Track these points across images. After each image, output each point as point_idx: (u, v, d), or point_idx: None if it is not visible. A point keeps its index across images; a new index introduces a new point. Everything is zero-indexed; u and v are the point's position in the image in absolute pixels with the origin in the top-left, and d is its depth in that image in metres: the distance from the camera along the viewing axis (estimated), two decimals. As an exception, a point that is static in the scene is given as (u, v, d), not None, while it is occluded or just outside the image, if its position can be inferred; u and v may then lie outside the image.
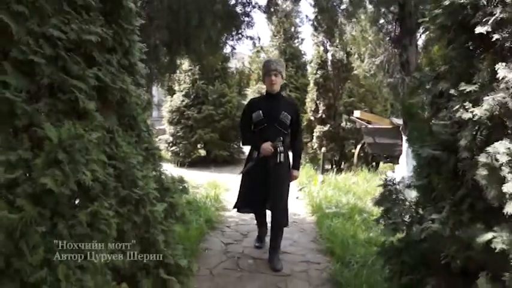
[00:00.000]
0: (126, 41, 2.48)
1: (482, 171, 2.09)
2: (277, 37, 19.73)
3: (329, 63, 12.88)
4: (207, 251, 5.30)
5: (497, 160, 2.03)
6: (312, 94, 13.53)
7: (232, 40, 6.16)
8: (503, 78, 2.07)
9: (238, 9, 5.74)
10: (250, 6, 5.92)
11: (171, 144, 13.88)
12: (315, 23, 7.98)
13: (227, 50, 7.10)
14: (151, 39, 4.01)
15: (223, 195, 8.63)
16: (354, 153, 12.55)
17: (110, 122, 2.37)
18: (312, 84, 13.50)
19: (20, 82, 2.02)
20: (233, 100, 13.98)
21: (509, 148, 2.01)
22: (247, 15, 5.88)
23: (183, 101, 13.89)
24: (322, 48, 12.88)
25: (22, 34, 2.00)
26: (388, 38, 7.24)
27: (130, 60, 2.56)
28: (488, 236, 2.09)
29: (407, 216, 2.72)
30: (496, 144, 2.06)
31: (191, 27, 4.37)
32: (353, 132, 12.61)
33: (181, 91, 14.08)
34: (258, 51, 21.59)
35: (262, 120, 4.62)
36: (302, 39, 20.94)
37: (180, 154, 13.69)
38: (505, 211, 2.01)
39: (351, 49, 12.23)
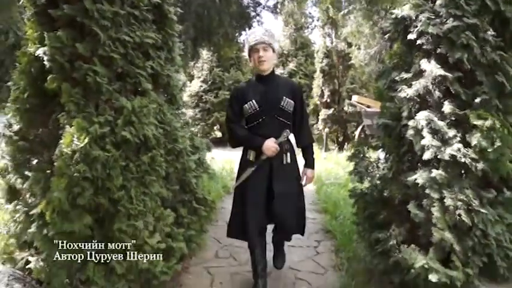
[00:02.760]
0: (170, 42, 3.44)
1: (411, 132, 3.01)
2: (288, 27, 20.51)
3: (334, 53, 13.73)
4: (223, 209, 6.26)
5: (419, 124, 2.95)
6: (318, 81, 14.41)
7: (246, 35, 7.10)
8: (425, 70, 2.98)
9: (250, 10, 6.66)
10: (260, 7, 6.86)
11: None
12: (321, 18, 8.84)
13: (241, 42, 8.06)
14: (182, 37, 4.88)
15: (236, 169, 9.60)
16: (355, 135, 13.42)
17: (160, 98, 3.32)
18: (318, 72, 14.37)
19: (104, 71, 2.97)
20: (247, 86, 14.88)
21: (427, 116, 2.92)
22: (258, 15, 6.82)
23: (201, 86, 14.86)
24: (327, 39, 13.74)
25: (105, 39, 2.95)
26: (380, 32, 8.00)
27: (172, 55, 3.52)
28: (416, 175, 3.01)
29: (370, 168, 3.64)
30: (419, 113, 2.97)
31: (212, 26, 5.30)
32: (354, 115, 13.48)
33: (200, 77, 15.04)
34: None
35: (257, 111, 3.36)
36: (312, 29, 21.74)
37: (198, 135, 14.67)
38: (424, 157, 2.92)
39: (352, 41, 13.10)
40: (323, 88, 14.17)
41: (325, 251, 4.64)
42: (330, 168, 9.35)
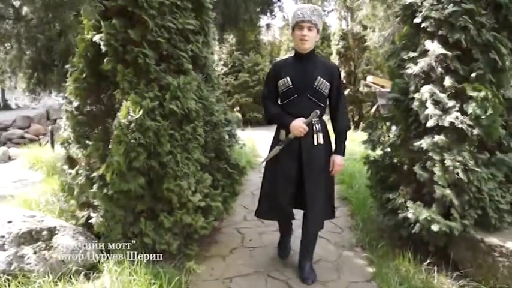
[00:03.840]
0: (206, 27, 3.88)
1: (417, 103, 3.42)
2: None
3: (349, 35, 14.04)
4: (247, 181, 6.74)
5: (424, 96, 3.36)
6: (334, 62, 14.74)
7: (268, 19, 7.56)
8: (429, 50, 3.38)
9: (274, -1, 7.10)
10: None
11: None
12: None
13: (263, 27, 8.49)
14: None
15: (257, 146, 10.07)
16: (370, 114, 13.76)
17: (198, 77, 3.78)
18: (334, 54, 14.70)
19: (152, 53, 3.42)
20: (265, 68, 15.32)
21: (430, 89, 3.33)
22: (279, 0, 7.23)
23: (221, 69, 15.28)
24: (343, 22, 14.04)
25: (153, 25, 3.40)
26: (394, 15, 8.26)
27: (208, 39, 3.96)
28: (421, 141, 3.43)
29: (382, 138, 4.06)
30: (424, 87, 3.39)
31: (239, 13, 5.72)
32: (369, 95, 13.81)
33: (221, 60, 15.46)
34: (287, 24, 22.66)
35: (290, 89, 3.27)
36: (328, 12, 21.90)
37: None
38: (427, 125, 3.34)
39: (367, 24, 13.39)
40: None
41: (342, 215, 5.08)
42: (348, 148, 9.72)
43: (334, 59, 14.69)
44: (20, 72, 6.14)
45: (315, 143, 3.27)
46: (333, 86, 3.31)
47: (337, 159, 3.35)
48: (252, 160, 8.22)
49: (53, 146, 8.50)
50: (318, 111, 3.22)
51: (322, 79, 3.23)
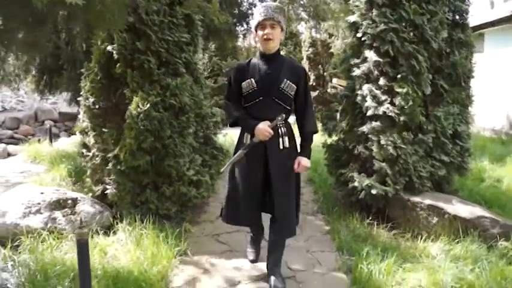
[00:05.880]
0: (196, 39, 4.74)
1: (359, 98, 4.37)
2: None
3: (318, 42, 15.05)
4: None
5: (364, 92, 4.30)
6: (305, 66, 15.72)
7: (243, 30, 8.52)
8: (368, 57, 4.33)
9: (248, 12, 8.00)
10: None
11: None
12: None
13: (240, 36, 9.48)
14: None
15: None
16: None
17: (190, 78, 4.63)
18: (305, 59, 15.68)
19: (154, 60, 4.26)
20: (242, 72, 16.14)
21: (369, 87, 4.27)
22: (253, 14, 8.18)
23: (201, 73, 16.08)
24: (313, 30, 15.06)
25: (155, 38, 4.23)
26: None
27: (197, 49, 4.82)
28: (363, 127, 4.36)
29: (336, 127, 4.99)
30: (365, 85, 4.33)
31: (221, 26, 6.61)
32: (336, 96, 14.78)
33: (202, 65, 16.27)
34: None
35: (255, 91, 3.09)
36: (300, 20, 22.88)
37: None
38: (367, 114, 4.28)
39: (332, 32, 14.45)
40: (309, 73, 15.51)
41: (307, 192, 5.99)
42: (314, 139, 10.66)
43: (305, 64, 15.66)
44: (28, 76, 6.87)
45: (281, 146, 3.10)
46: (300, 88, 3.14)
47: (302, 160, 3.13)
48: (231, 150, 9.08)
49: (51, 141, 9.17)
50: (284, 115, 3.07)
51: (288, 81, 3.07)
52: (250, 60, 3.28)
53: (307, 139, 3.23)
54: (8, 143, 13.51)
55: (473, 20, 9.60)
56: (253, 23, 3.14)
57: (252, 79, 3.09)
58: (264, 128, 3.00)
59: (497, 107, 10.09)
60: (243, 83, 3.12)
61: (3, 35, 2.54)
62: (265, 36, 3.02)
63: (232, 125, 3.29)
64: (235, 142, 3.34)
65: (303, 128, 3.21)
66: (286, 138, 3.12)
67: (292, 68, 3.17)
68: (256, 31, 3.14)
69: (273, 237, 3.31)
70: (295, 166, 3.11)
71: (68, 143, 9.16)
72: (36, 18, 2.64)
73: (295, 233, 3.33)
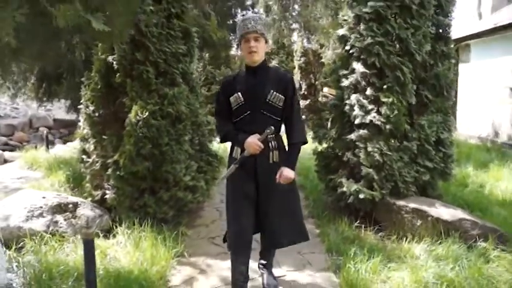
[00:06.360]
0: (192, 51, 4.93)
1: (348, 107, 4.57)
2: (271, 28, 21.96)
3: (310, 52, 15.34)
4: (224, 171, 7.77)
5: (352, 102, 4.51)
6: (296, 76, 15.97)
7: (237, 41, 8.74)
8: (356, 69, 4.55)
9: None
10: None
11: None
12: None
13: (233, 46, 9.72)
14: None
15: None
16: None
17: (186, 88, 4.82)
18: (296, 68, 15.95)
19: (152, 70, 4.44)
20: (235, 81, 16.33)
21: (357, 97, 4.48)
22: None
23: (195, 81, 16.27)
24: (305, 40, 15.33)
25: (153, 49, 4.42)
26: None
27: (193, 59, 5.02)
28: (351, 135, 4.57)
29: (326, 135, 5.19)
30: (353, 95, 4.54)
31: (215, 38, 6.84)
32: (326, 104, 15.04)
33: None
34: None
35: (243, 105, 3.02)
36: (292, 30, 23.18)
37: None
38: (355, 122, 4.49)
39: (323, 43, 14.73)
40: (301, 82, 15.76)
41: (298, 198, 6.18)
42: (305, 147, 10.87)
43: (297, 73, 15.93)
44: (28, 84, 7.02)
45: (271, 161, 3.01)
46: (287, 98, 3.04)
47: (284, 170, 2.94)
48: (225, 157, 9.26)
49: (48, 148, 9.29)
50: (273, 127, 2.96)
51: (275, 92, 2.99)
52: (237, 74, 3.28)
53: (294, 149, 3.10)
54: (3, 150, 13.60)
55: (460, 32, 9.90)
56: (237, 35, 3.09)
57: (239, 93, 3.02)
58: (253, 142, 2.91)
59: (482, 115, 10.37)
60: (231, 97, 3.05)
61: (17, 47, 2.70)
62: (249, 50, 2.96)
63: (222, 141, 3.29)
64: (229, 149, 3.23)
65: (291, 139, 3.09)
66: (277, 152, 3.03)
67: (279, 78, 3.09)
68: (240, 43, 3.08)
69: (263, 251, 3.45)
70: (277, 177, 2.94)
71: (64, 150, 9.30)
72: (51, 32, 2.81)
73: (308, 238, 3.22)
